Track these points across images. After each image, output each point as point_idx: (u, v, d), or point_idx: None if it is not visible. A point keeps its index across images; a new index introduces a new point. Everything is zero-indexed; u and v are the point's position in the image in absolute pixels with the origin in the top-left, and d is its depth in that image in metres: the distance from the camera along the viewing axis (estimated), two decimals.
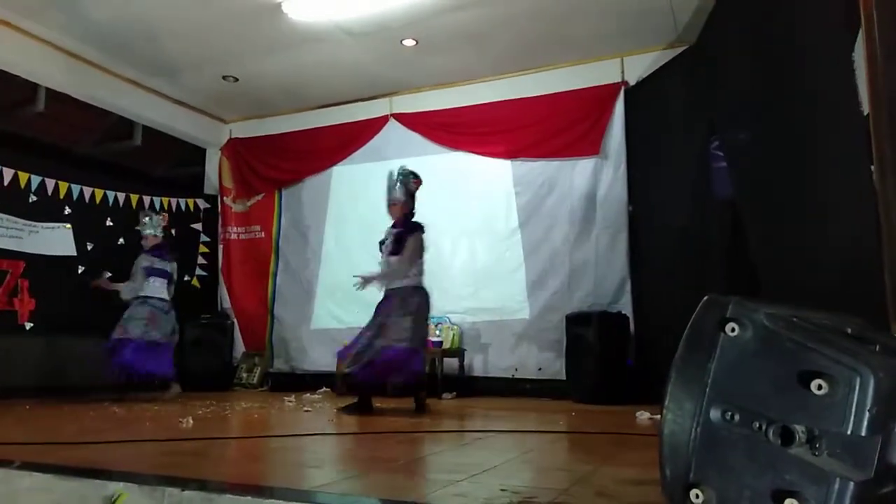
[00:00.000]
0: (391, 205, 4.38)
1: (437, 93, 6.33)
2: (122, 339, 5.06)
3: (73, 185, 5.99)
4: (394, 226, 4.36)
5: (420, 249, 4.23)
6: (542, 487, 1.85)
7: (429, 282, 6.22)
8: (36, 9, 4.91)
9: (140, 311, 5.21)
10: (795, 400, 0.98)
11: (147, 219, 5.56)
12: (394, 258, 4.20)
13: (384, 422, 3.69)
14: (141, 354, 5.03)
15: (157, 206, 6.59)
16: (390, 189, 4.37)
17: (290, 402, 4.95)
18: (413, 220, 4.36)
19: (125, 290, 5.30)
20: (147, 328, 5.15)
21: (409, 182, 4.35)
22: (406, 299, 4.11)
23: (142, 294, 5.29)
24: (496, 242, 5.97)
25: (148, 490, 1.65)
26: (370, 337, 4.01)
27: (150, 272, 5.36)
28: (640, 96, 5.48)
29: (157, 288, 5.37)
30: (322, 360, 6.34)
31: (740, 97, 3.82)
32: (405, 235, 4.22)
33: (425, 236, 4.29)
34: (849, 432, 0.93)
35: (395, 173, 4.38)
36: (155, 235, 5.50)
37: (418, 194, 4.48)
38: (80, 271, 5.93)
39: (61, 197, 5.89)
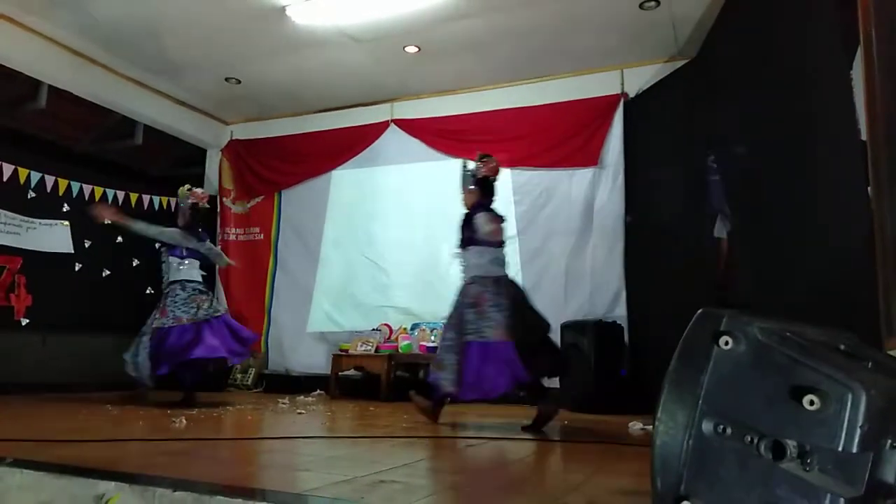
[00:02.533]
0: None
1: (438, 100, 6.35)
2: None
3: (72, 183, 5.99)
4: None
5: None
6: (534, 496, 1.85)
7: (425, 288, 6.28)
8: (40, 5, 4.91)
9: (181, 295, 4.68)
10: (787, 415, 0.99)
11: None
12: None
13: (378, 426, 3.69)
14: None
15: (157, 206, 6.59)
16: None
17: (283, 404, 4.94)
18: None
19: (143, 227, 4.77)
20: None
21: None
22: None
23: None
24: None
25: (139, 490, 1.65)
26: None
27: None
28: (639, 108, 5.50)
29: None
30: (317, 362, 6.33)
31: (738, 112, 3.84)
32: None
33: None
34: (840, 449, 0.94)
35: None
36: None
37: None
38: (77, 269, 5.92)
39: (60, 194, 5.90)
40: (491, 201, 3.96)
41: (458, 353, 3.57)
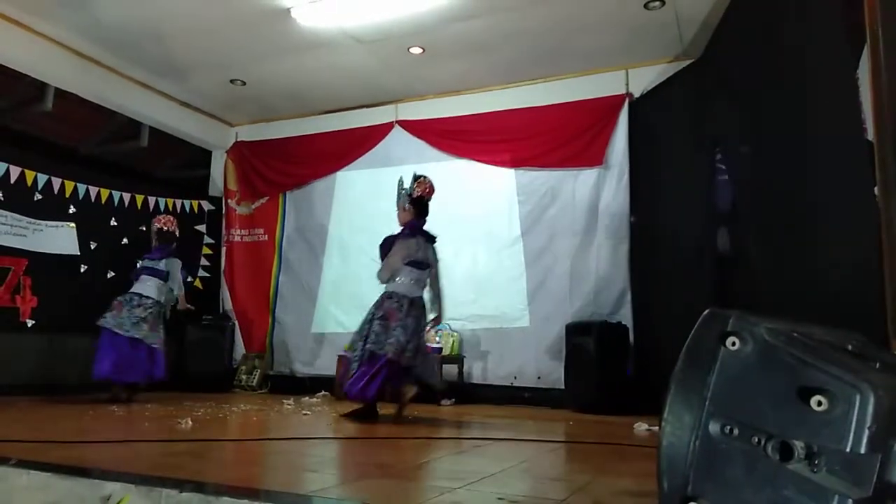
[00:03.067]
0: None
1: (442, 101, 6.35)
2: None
3: (78, 185, 6.01)
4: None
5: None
6: (539, 497, 1.84)
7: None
8: (46, 8, 4.94)
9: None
10: (795, 415, 0.98)
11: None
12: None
13: (382, 427, 3.69)
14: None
15: (162, 207, 6.61)
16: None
17: (289, 405, 4.95)
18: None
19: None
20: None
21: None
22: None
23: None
24: (498, 250, 5.97)
25: (145, 490, 1.66)
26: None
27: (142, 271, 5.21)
28: (643, 108, 5.50)
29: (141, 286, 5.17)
30: (322, 363, 6.35)
31: (744, 112, 3.83)
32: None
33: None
34: (848, 450, 0.93)
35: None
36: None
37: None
38: (82, 270, 5.95)
39: (66, 196, 5.92)
40: (424, 221, 4.20)
41: (358, 358, 3.86)
